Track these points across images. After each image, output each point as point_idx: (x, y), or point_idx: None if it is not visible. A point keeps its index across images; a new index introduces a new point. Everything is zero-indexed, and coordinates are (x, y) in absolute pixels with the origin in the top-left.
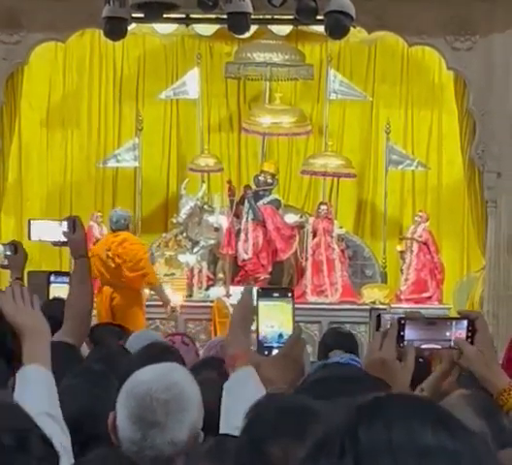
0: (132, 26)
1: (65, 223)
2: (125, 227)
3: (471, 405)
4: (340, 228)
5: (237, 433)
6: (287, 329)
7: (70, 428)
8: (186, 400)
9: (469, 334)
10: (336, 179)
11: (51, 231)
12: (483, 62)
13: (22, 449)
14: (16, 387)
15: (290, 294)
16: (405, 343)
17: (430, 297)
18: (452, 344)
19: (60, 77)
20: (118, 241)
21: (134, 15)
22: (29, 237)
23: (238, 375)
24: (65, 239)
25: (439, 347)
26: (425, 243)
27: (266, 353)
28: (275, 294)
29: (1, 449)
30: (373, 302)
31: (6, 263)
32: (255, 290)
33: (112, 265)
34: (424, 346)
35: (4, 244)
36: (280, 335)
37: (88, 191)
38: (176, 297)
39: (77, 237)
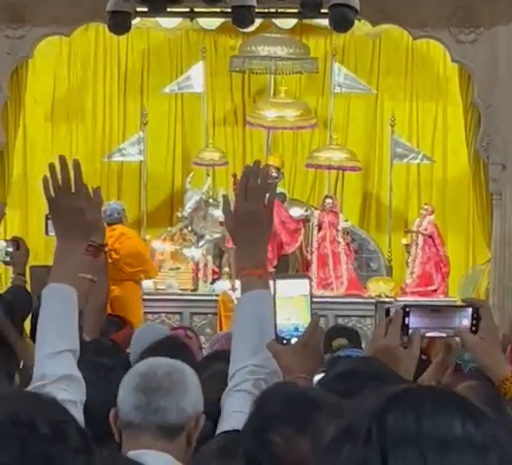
0: (136, 20)
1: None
2: (119, 220)
3: (478, 395)
4: (346, 221)
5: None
6: (304, 322)
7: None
8: (188, 378)
9: (474, 322)
10: (340, 172)
11: None
12: (487, 55)
13: (59, 439)
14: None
15: (308, 282)
16: (410, 331)
17: (435, 290)
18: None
19: (65, 72)
20: (116, 236)
21: (138, 9)
22: (46, 233)
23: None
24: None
25: (444, 335)
26: (430, 236)
27: (284, 342)
28: (292, 282)
29: (38, 439)
30: (379, 295)
31: (8, 259)
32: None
33: (110, 261)
34: (428, 334)
35: (6, 240)
36: (297, 328)
37: (93, 185)
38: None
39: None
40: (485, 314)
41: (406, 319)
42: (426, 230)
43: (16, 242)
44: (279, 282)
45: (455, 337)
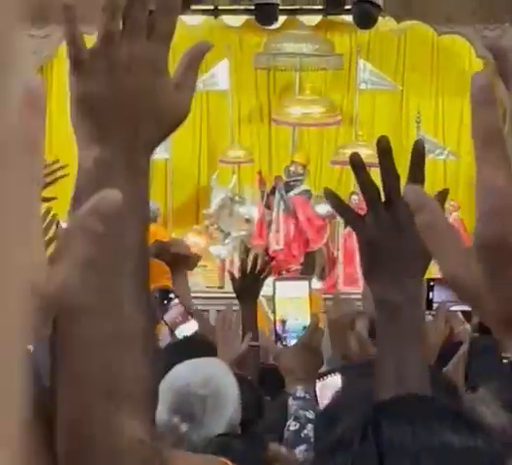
0: None
1: None
2: (153, 219)
3: (498, 399)
4: None
5: None
6: (304, 321)
7: None
8: (223, 395)
9: None
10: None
11: None
12: None
13: None
14: None
15: (308, 283)
16: (435, 305)
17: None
18: None
19: None
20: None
21: None
22: None
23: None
24: None
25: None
26: None
27: (284, 344)
28: (292, 283)
29: None
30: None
31: None
32: (272, 281)
33: None
34: (454, 307)
35: None
36: (305, 327)
37: None
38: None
39: None
40: None
41: (430, 293)
42: None
43: None
44: (279, 283)
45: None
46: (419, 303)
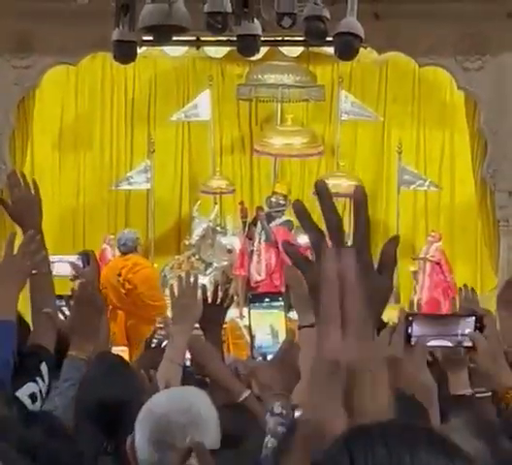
0: (142, 49)
1: (79, 257)
2: (133, 249)
3: (470, 428)
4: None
5: None
6: (281, 336)
7: (95, 418)
8: (203, 423)
9: (477, 331)
10: (348, 200)
11: (67, 265)
12: (493, 82)
13: None
14: None
15: (281, 299)
16: (414, 339)
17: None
18: (460, 340)
19: (72, 101)
20: (129, 266)
21: (144, 37)
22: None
23: None
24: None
25: (448, 343)
26: (438, 263)
27: (260, 358)
28: (267, 300)
29: None
30: (387, 322)
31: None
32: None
33: (123, 291)
34: (432, 342)
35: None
36: (275, 342)
37: (101, 213)
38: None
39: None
40: (488, 323)
41: (409, 328)
42: (433, 256)
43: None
44: (255, 299)
45: (458, 348)
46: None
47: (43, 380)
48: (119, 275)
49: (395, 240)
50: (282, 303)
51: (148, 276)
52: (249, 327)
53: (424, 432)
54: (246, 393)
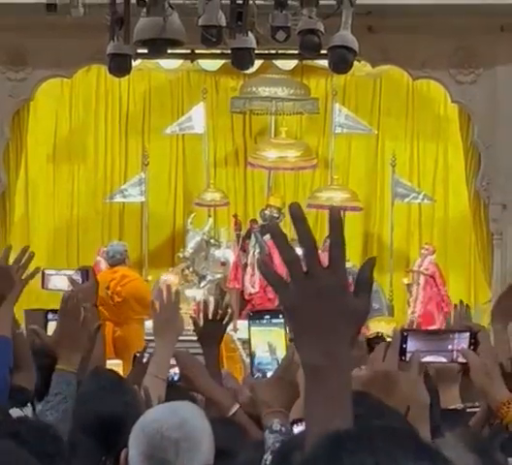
0: (137, 62)
1: (78, 273)
2: (121, 261)
3: (463, 441)
4: (347, 261)
5: None
6: (281, 353)
7: (93, 433)
8: (197, 438)
9: (472, 347)
10: (342, 212)
11: (65, 280)
12: (487, 95)
13: None
14: None
15: (281, 316)
16: (408, 355)
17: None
18: (454, 355)
19: (66, 113)
20: (117, 279)
21: (139, 50)
22: (42, 286)
23: None
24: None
25: (443, 359)
26: (431, 276)
27: (260, 375)
28: (267, 317)
29: None
30: (381, 335)
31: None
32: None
33: (111, 303)
34: (427, 358)
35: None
36: (274, 359)
37: (95, 226)
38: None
39: (86, 287)
40: (483, 338)
41: (404, 343)
42: (427, 269)
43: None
44: (254, 316)
45: (452, 363)
46: (346, 368)
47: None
48: (108, 288)
49: (371, 261)
50: (282, 321)
51: (137, 288)
52: (249, 345)
53: (409, 438)
54: (235, 407)
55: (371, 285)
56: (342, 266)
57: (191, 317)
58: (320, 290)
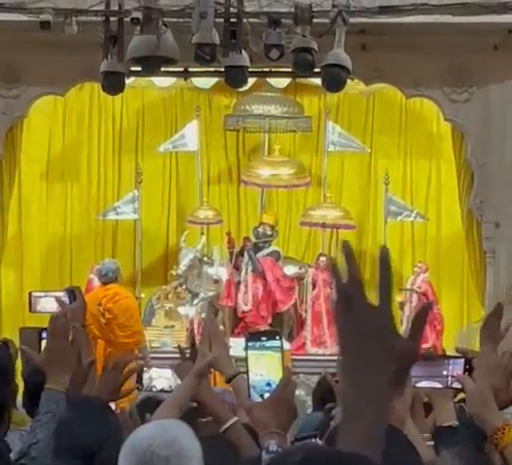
0: (130, 80)
1: (65, 293)
2: (113, 279)
3: (461, 459)
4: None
5: None
6: (276, 377)
7: (73, 457)
8: (187, 456)
9: (466, 374)
10: (335, 230)
11: (53, 301)
12: (480, 113)
13: None
14: None
15: (278, 338)
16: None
17: (429, 348)
18: (449, 381)
19: (60, 131)
20: (109, 296)
21: (132, 68)
22: (30, 310)
23: None
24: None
25: (438, 384)
26: (424, 294)
27: (257, 396)
28: (264, 339)
29: None
30: None
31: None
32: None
33: (103, 321)
34: (422, 383)
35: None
36: (269, 383)
37: (88, 243)
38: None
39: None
40: (478, 365)
41: None
42: (420, 287)
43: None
44: (250, 338)
45: (446, 389)
46: (382, 404)
47: None
48: (99, 305)
49: (427, 307)
50: (278, 344)
51: (128, 306)
52: (246, 367)
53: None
54: (233, 420)
55: (424, 328)
56: (390, 307)
57: (189, 334)
58: (368, 330)
